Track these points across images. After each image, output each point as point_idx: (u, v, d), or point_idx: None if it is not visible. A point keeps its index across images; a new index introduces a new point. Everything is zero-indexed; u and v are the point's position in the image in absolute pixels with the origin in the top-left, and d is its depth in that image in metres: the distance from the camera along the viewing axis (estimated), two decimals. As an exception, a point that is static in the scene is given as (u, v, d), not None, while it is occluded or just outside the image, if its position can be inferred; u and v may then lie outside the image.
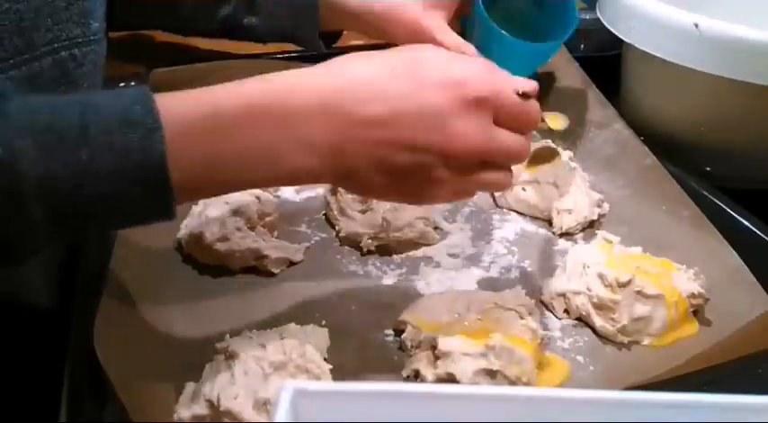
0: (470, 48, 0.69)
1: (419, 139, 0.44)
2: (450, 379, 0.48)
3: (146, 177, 0.39)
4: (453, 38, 0.70)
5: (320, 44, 0.79)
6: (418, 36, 0.69)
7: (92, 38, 0.57)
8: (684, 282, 0.55)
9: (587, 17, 0.98)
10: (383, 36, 0.75)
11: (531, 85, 0.47)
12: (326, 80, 0.44)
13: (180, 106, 0.41)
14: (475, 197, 0.70)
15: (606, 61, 0.86)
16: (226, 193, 0.49)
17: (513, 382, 0.48)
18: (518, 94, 0.46)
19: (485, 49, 0.69)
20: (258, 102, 0.42)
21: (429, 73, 0.44)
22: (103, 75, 0.62)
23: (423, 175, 0.45)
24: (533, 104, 0.47)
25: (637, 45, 0.74)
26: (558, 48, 0.77)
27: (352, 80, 0.44)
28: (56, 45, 0.53)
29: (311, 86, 0.43)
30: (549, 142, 0.73)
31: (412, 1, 0.72)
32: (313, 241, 0.64)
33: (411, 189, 0.47)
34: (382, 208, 0.63)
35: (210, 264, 0.59)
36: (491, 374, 0.48)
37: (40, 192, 0.37)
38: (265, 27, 0.78)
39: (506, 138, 0.46)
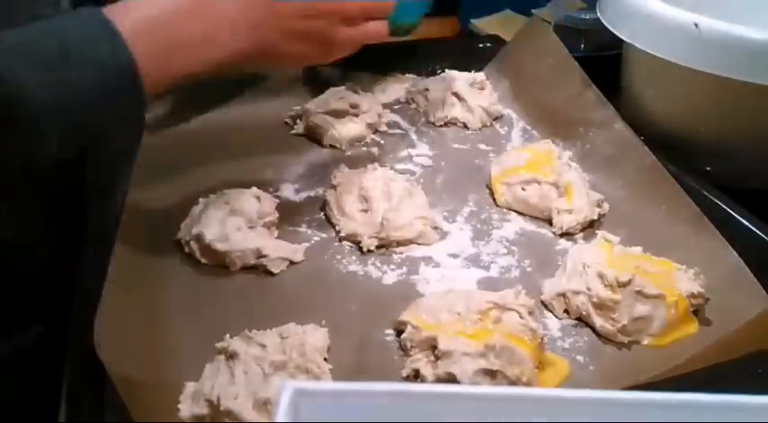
0: None
1: (315, 6, 0.58)
2: (451, 379, 0.48)
3: (121, 82, 0.48)
4: None
5: None
6: None
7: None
8: (684, 281, 0.55)
9: (587, 17, 0.98)
10: None
11: None
12: None
13: (128, 12, 0.50)
14: (475, 197, 0.71)
15: (606, 61, 0.86)
16: (183, 78, 0.54)
17: (513, 382, 0.48)
18: None
19: None
20: (190, 3, 0.53)
21: None
22: None
23: (324, 35, 0.59)
24: None
25: (637, 45, 0.74)
26: None
27: None
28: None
29: None
30: (550, 143, 0.73)
31: None
32: (313, 241, 0.64)
33: (316, 48, 0.60)
34: (382, 208, 0.63)
35: (210, 263, 0.60)
36: (491, 374, 0.48)
37: (49, 112, 0.44)
38: None
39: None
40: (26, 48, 0.45)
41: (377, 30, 0.63)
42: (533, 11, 1.07)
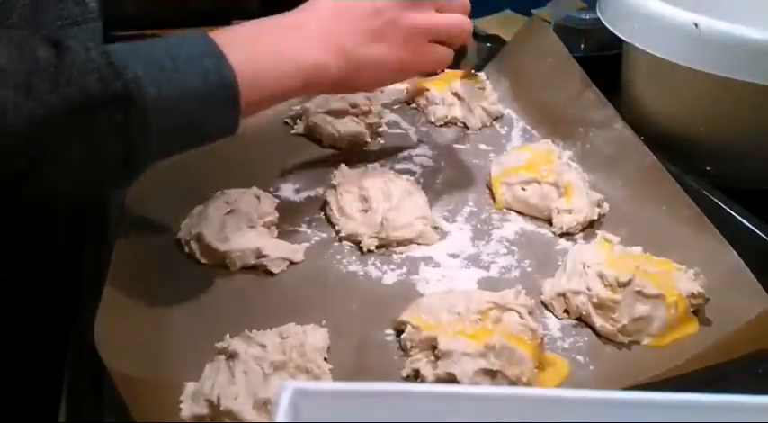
0: None
1: (374, 4, 0.58)
2: (451, 379, 0.48)
3: (222, 94, 0.49)
4: None
5: None
6: None
7: (89, 17, 0.61)
8: (684, 281, 0.55)
9: (587, 17, 0.98)
10: None
11: None
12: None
13: (228, 33, 0.53)
14: (475, 197, 0.71)
15: (606, 61, 0.86)
16: (272, 97, 0.55)
17: (513, 382, 0.48)
18: None
19: None
20: (267, 22, 0.56)
21: None
22: None
23: (397, 26, 0.59)
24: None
25: (637, 45, 0.74)
26: None
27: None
28: (58, 23, 0.59)
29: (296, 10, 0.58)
30: (550, 143, 0.73)
31: None
32: (313, 241, 0.64)
33: (400, 46, 0.59)
34: (382, 208, 0.63)
35: (210, 263, 0.59)
36: (491, 374, 0.48)
37: (157, 108, 0.46)
38: None
39: (442, 16, 0.62)
40: (138, 51, 0.47)
41: (461, 22, 0.63)
42: (533, 11, 1.07)
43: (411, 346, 0.51)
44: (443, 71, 0.79)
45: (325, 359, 0.50)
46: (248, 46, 0.53)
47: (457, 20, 0.63)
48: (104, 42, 0.65)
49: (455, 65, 0.76)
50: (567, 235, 0.65)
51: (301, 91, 0.57)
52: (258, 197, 0.63)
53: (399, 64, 0.60)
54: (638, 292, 0.54)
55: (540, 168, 0.68)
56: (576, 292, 0.56)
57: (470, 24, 0.64)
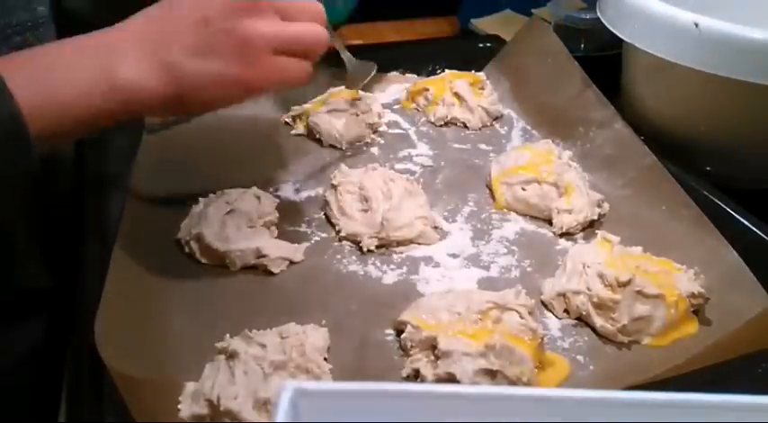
0: None
1: (204, 13, 0.50)
2: (451, 379, 0.48)
3: (5, 127, 0.44)
4: None
5: None
6: None
7: (39, 21, 0.61)
8: (684, 281, 0.55)
9: (587, 17, 0.98)
10: None
11: None
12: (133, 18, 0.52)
13: (10, 61, 0.48)
14: (475, 197, 0.71)
15: (606, 61, 0.86)
16: (81, 122, 0.50)
17: (513, 382, 0.48)
18: None
19: None
20: (77, 40, 0.50)
21: None
22: None
23: (230, 36, 0.50)
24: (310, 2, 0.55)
25: (637, 45, 0.74)
26: None
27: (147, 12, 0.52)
28: (8, 31, 0.58)
29: (118, 26, 0.52)
30: (550, 142, 0.73)
31: None
32: (313, 241, 0.64)
33: (234, 60, 0.51)
34: (382, 208, 0.63)
35: (210, 263, 0.60)
36: (491, 374, 0.48)
37: None
38: None
39: (288, 24, 0.53)
40: None
41: (313, 31, 0.54)
42: (533, 11, 1.07)
43: (411, 346, 0.51)
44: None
45: (325, 359, 0.50)
46: (41, 70, 0.47)
47: (307, 29, 0.54)
48: None
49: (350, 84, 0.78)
50: (566, 235, 0.65)
51: (124, 113, 0.50)
52: (258, 197, 0.63)
53: (238, 81, 0.52)
54: (638, 292, 0.54)
55: (540, 168, 0.68)
56: (576, 292, 0.56)
57: (324, 33, 0.54)
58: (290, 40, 0.53)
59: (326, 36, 0.54)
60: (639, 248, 0.59)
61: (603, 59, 0.89)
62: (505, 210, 0.69)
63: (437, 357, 0.49)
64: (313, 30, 0.54)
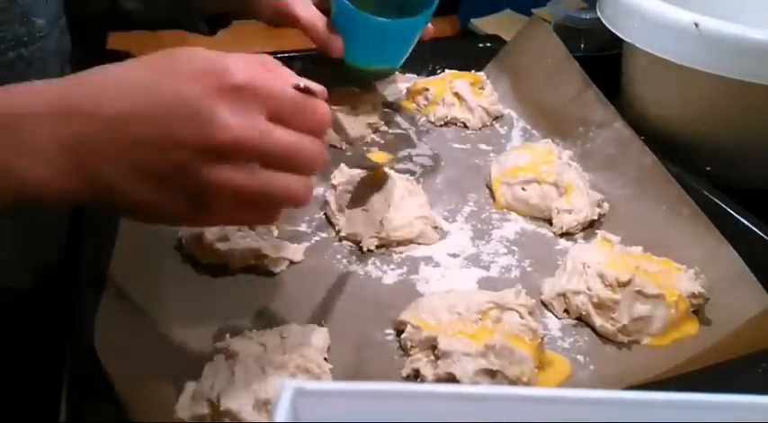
0: (322, 22, 0.69)
1: (171, 133, 0.38)
2: (451, 379, 0.48)
3: None
4: (310, 11, 0.69)
5: (203, 27, 0.77)
6: (279, 10, 0.69)
7: (38, 35, 0.57)
8: (684, 281, 0.55)
9: (587, 17, 0.98)
10: (250, 13, 0.73)
11: (314, 84, 0.42)
12: (60, 83, 0.40)
13: None
14: (475, 197, 0.71)
15: (606, 61, 0.86)
16: None
17: (513, 382, 0.48)
18: (298, 89, 0.41)
19: (341, 28, 0.69)
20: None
21: (183, 64, 0.40)
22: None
23: (189, 177, 0.39)
24: (318, 103, 0.42)
25: (637, 44, 0.74)
26: (421, 25, 0.72)
27: (88, 80, 0.40)
28: (2, 46, 0.54)
29: (41, 90, 0.40)
30: (550, 142, 0.73)
31: None
32: (313, 241, 0.64)
33: (183, 199, 0.40)
34: (382, 208, 0.63)
35: (210, 263, 0.59)
36: (491, 374, 0.48)
37: None
38: (147, 10, 0.76)
39: (286, 135, 0.40)
40: None
41: (288, 188, 0.42)
42: (533, 10, 1.07)
43: (411, 346, 0.51)
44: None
45: (325, 359, 0.50)
46: None
47: (305, 156, 0.42)
48: (71, 59, 0.63)
49: None
50: (567, 235, 0.65)
51: (14, 209, 0.40)
52: (258, 197, 0.63)
53: (182, 220, 0.44)
54: (638, 292, 0.54)
55: (540, 168, 0.68)
56: (576, 292, 0.56)
57: (321, 154, 0.42)
58: (262, 192, 0.41)
59: (322, 158, 0.43)
60: (639, 248, 0.59)
61: (603, 59, 0.89)
62: (505, 210, 0.69)
63: (437, 357, 0.49)
64: (309, 154, 0.42)
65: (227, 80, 0.39)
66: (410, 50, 0.75)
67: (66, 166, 0.38)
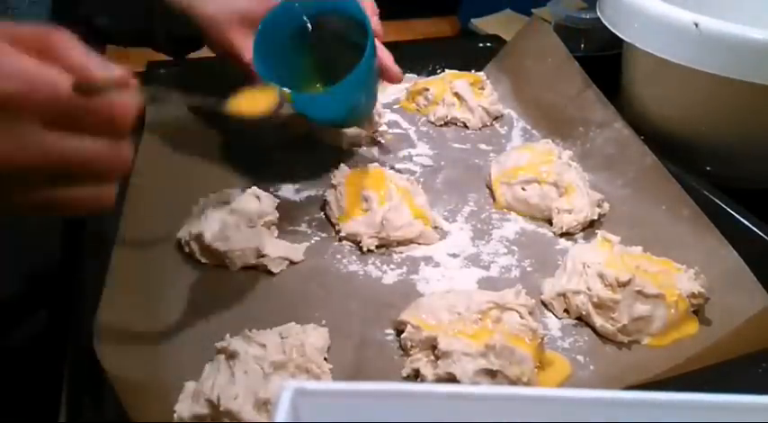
0: None
1: None
2: (451, 379, 0.48)
3: None
4: None
5: (169, 50, 0.75)
6: (225, 49, 0.66)
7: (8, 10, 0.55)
8: (684, 281, 0.55)
9: (587, 17, 0.98)
10: (206, 44, 0.70)
11: (110, 71, 0.36)
12: None
13: None
14: (475, 197, 0.71)
15: (606, 61, 0.86)
16: None
17: (513, 382, 0.48)
18: (80, 89, 0.35)
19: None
20: None
21: None
22: None
23: None
24: (109, 102, 0.36)
25: (637, 44, 0.74)
26: (362, 79, 0.64)
27: None
28: None
29: None
30: (550, 142, 0.73)
31: (228, 11, 0.66)
32: (313, 241, 0.64)
33: None
34: (382, 208, 0.63)
35: (210, 263, 0.59)
36: (491, 374, 0.48)
37: None
38: (117, 27, 0.73)
39: (62, 145, 0.35)
40: None
41: (79, 198, 0.37)
42: (533, 11, 1.07)
43: (411, 346, 0.51)
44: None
45: (325, 359, 0.50)
46: None
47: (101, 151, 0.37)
48: None
49: None
50: (567, 235, 0.65)
51: None
52: (258, 197, 0.63)
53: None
54: (638, 292, 0.54)
55: (540, 168, 0.68)
56: (576, 292, 0.56)
57: (120, 156, 0.38)
58: (46, 207, 0.37)
59: (120, 161, 0.37)
60: (639, 248, 0.59)
61: (603, 59, 0.89)
62: (505, 210, 0.69)
63: (437, 357, 0.49)
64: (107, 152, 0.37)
65: None
66: (369, 101, 0.71)
67: None
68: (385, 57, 0.68)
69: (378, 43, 0.65)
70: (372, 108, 0.74)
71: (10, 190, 0.36)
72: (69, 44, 0.36)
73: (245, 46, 0.64)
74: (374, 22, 0.65)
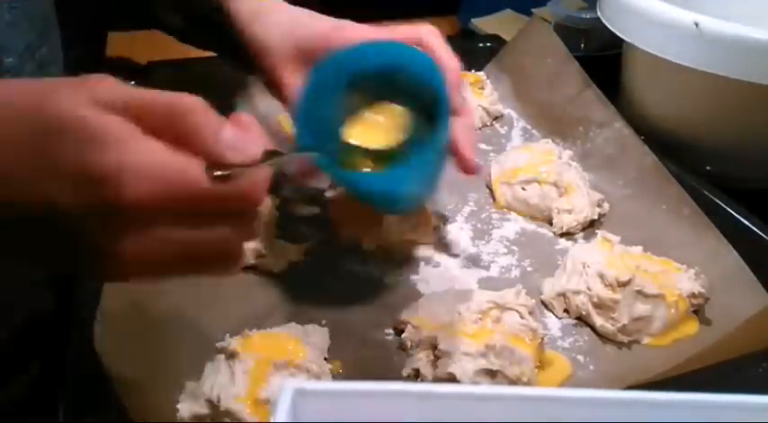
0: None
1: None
2: (451, 379, 0.48)
3: None
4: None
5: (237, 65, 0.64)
6: (271, 83, 0.57)
7: (5, 74, 0.53)
8: (685, 281, 0.55)
9: (587, 17, 0.98)
10: (250, 64, 0.59)
11: (231, 161, 0.34)
12: None
13: None
14: (475, 197, 0.71)
15: (606, 61, 0.86)
16: None
17: (513, 382, 0.48)
18: (215, 177, 0.33)
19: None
20: None
21: (63, 154, 0.31)
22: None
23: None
24: (242, 192, 0.34)
25: (637, 44, 0.74)
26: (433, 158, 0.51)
27: None
28: None
29: None
30: (550, 142, 0.73)
31: (289, 43, 0.56)
32: (313, 241, 0.64)
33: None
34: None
35: (210, 263, 0.59)
36: (491, 374, 0.48)
37: None
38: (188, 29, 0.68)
39: (198, 235, 0.34)
40: None
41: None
42: (533, 10, 1.07)
43: (411, 346, 0.51)
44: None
45: (325, 359, 0.50)
46: None
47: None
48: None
49: None
50: (567, 235, 0.65)
51: None
52: (258, 197, 0.63)
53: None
54: (638, 292, 0.54)
55: (540, 168, 0.68)
56: (576, 292, 0.56)
57: (236, 254, 0.37)
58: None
59: (235, 259, 0.37)
60: (639, 248, 0.59)
61: (603, 59, 0.89)
62: (505, 210, 0.69)
63: (437, 357, 0.49)
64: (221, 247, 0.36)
65: (112, 197, 0.31)
66: (425, 190, 0.56)
67: None
68: (462, 139, 0.52)
69: (459, 121, 0.52)
70: (427, 199, 0.61)
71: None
72: (200, 116, 0.34)
73: (294, 85, 0.54)
74: (454, 97, 0.52)
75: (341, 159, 0.51)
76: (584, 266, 0.57)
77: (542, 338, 0.51)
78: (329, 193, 0.66)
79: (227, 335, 0.49)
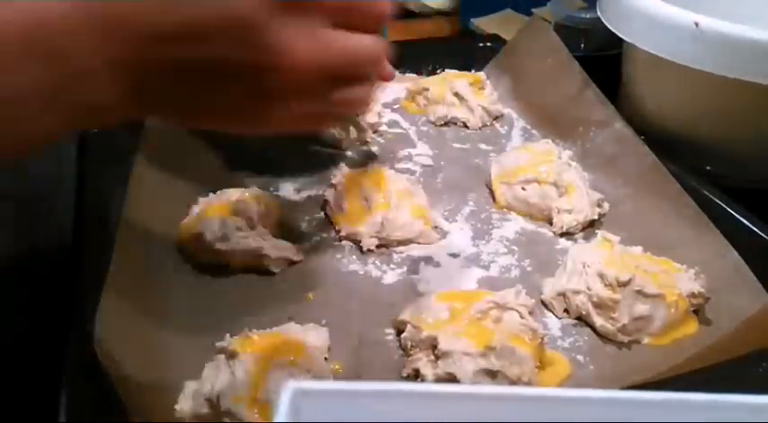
0: None
1: (228, 57, 0.36)
2: (451, 379, 0.48)
3: None
4: None
5: None
6: None
7: None
8: (685, 281, 0.55)
9: (587, 16, 0.98)
10: None
11: None
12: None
13: None
14: (475, 197, 0.71)
15: (606, 61, 0.86)
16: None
17: (513, 382, 0.48)
18: None
19: None
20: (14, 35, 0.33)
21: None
22: None
23: (250, 108, 0.39)
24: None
25: (637, 44, 0.74)
26: None
27: None
28: None
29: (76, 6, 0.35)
30: (550, 142, 0.73)
31: None
32: (313, 241, 0.64)
33: (243, 121, 0.41)
34: (382, 207, 0.63)
35: (210, 263, 0.59)
36: (491, 374, 0.48)
37: None
38: None
39: (350, 41, 0.40)
40: None
41: (352, 98, 0.44)
42: (533, 10, 1.07)
43: (411, 346, 0.51)
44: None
45: (325, 359, 0.50)
46: None
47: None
48: None
49: None
50: (567, 234, 0.65)
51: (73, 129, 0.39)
52: (258, 197, 0.63)
53: (233, 126, 0.43)
54: (638, 292, 0.54)
55: (540, 168, 0.68)
56: (576, 292, 0.56)
57: (382, 49, 0.43)
58: (322, 113, 0.43)
59: (383, 54, 0.44)
60: (639, 248, 0.59)
61: (603, 59, 0.89)
62: (505, 209, 0.69)
63: (437, 357, 0.49)
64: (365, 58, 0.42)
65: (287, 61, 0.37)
66: None
67: (122, 93, 0.36)
68: None
69: None
70: None
71: (296, 94, 0.40)
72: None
73: None
74: None
75: None
76: (584, 266, 0.57)
77: (542, 338, 0.51)
78: (329, 193, 0.66)
79: (227, 335, 0.49)
